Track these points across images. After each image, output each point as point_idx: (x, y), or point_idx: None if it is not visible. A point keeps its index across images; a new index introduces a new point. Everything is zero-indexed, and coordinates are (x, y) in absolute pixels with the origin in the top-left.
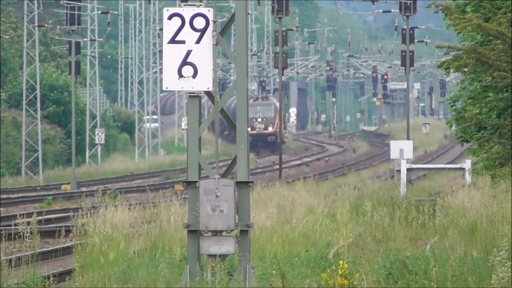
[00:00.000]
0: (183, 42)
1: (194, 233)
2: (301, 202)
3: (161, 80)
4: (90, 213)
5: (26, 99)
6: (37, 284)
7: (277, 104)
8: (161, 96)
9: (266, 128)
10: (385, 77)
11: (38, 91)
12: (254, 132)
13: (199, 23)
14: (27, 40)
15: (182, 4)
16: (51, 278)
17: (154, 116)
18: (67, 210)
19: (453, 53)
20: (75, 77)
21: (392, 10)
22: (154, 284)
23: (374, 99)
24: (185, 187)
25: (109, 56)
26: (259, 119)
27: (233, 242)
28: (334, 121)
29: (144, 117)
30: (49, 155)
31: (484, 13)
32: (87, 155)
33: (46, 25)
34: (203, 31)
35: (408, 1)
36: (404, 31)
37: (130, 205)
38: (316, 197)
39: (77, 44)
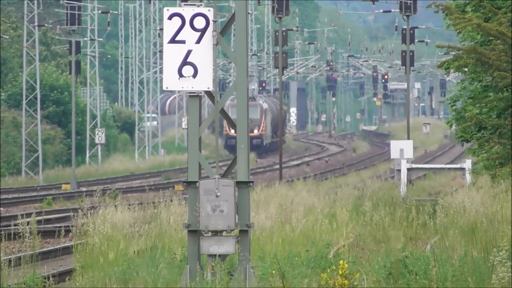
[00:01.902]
0: (183, 42)
1: (194, 233)
2: (301, 202)
3: (161, 80)
4: (90, 213)
5: (26, 99)
6: (37, 284)
7: (264, 106)
8: (162, 96)
9: (251, 131)
10: (386, 77)
11: (38, 91)
12: None
13: (199, 23)
14: (27, 40)
15: (182, 4)
16: (51, 278)
17: (154, 115)
18: (67, 210)
19: (453, 53)
20: (76, 77)
21: (392, 10)
22: (154, 284)
23: (374, 99)
24: (185, 187)
25: (109, 56)
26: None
27: (233, 242)
28: (334, 121)
29: (143, 115)
30: (49, 155)
31: (484, 13)
32: (87, 155)
33: (46, 25)
34: (203, 31)
35: (408, 1)
36: (404, 31)
37: (130, 205)
38: (316, 197)
39: (77, 43)
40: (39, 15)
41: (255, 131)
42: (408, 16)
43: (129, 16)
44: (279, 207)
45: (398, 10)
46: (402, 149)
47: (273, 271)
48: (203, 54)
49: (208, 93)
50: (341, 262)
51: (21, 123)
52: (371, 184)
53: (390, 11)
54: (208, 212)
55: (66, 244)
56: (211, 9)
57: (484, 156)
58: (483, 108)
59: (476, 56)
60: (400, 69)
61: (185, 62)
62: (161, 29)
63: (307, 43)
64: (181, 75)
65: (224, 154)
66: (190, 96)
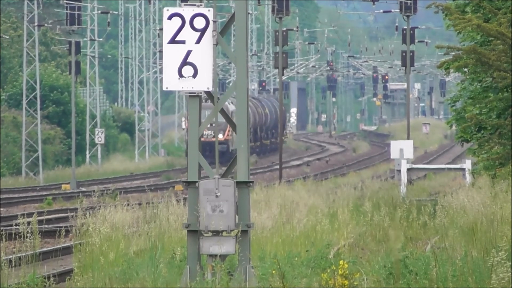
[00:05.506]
0: (183, 42)
1: (194, 233)
2: (301, 202)
3: (161, 80)
4: (89, 213)
5: (26, 99)
6: (37, 284)
7: (230, 108)
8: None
9: (215, 136)
10: (386, 77)
11: (38, 91)
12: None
13: (199, 23)
14: (27, 40)
15: (182, 4)
16: (51, 278)
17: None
18: (67, 210)
19: (453, 53)
20: (75, 77)
21: (393, 10)
22: (154, 284)
23: (375, 99)
24: (185, 187)
25: (109, 56)
26: (208, 125)
27: (233, 242)
28: (334, 121)
29: (143, 114)
30: (49, 155)
31: (484, 14)
32: (87, 155)
33: (46, 25)
34: (203, 31)
35: (409, 1)
36: (404, 31)
37: (129, 205)
38: (316, 197)
39: (77, 44)
40: (39, 15)
41: (219, 136)
42: (408, 16)
43: (129, 16)
44: (279, 207)
45: (398, 10)
46: (402, 149)
47: (273, 271)
48: (203, 54)
49: (208, 93)
50: (341, 262)
51: (21, 123)
52: (371, 184)
53: (390, 11)
54: (208, 212)
55: (66, 244)
56: (211, 9)
57: (484, 157)
58: (483, 109)
59: (476, 56)
60: (400, 69)
61: (185, 62)
62: (161, 29)
63: (307, 43)
64: (181, 75)
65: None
66: (190, 96)
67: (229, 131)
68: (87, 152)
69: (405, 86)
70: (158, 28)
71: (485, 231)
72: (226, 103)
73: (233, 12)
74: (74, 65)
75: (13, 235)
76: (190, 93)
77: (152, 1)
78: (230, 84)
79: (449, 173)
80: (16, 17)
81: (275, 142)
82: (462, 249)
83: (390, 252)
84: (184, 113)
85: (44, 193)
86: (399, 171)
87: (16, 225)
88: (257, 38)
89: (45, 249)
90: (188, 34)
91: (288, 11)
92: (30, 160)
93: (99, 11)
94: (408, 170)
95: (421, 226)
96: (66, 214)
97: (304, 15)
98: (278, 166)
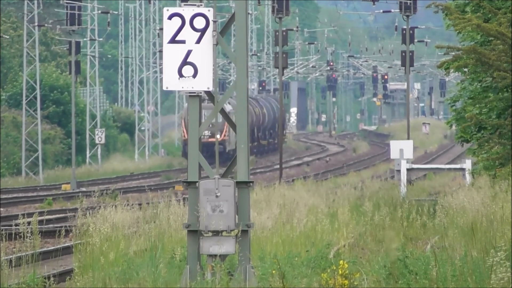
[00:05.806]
0: (183, 42)
1: (194, 233)
2: (301, 202)
3: (161, 80)
4: (89, 213)
5: (26, 99)
6: (37, 284)
7: (227, 108)
8: None
9: (212, 136)
10: (385, 77)
11: (38, 91)
12: None
13: (199, 23)
14: (27, 40)
15: (182, 4)
16: (51, 278)
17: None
18: (67, 210)
19: (453, 53)
20: (75, 77)
21: (392, 10)
22: (154, 284)
23: (374, 99)
24: (185, 187)
25: (109, 56)
26: (207, 125)
27: (233, 242)
28: (334, 121)
29: (142, 114)
30: (49, 155)
31: (484, 13)
32: (87, 155)
33: (46, 25)
34: (203, 31)
35: (408, 1)
36: (404, 31)
37: (129, 205)
38: (316, 197)
39: (77, 44)
40: (39, 15)
41: (217, 136)
42: (408, 16)
43: (129, 16)
44: (279, 207)
45: (398, 10)
46: (402, 149)
47: (273, 271)
48: (203, 54)
49: (208, 93)
50: (341, 262)
51: (21, 123)
52: (371, 184)
53: (390, 11)
54: (208, 212)
55: (66, 244)
56: (211, 9)
57: (484, 157)
58: (483, 109)
59: (476, 56)
60: (400, 69)
61: (185, 62)
62: (161, 29)
63: (307, 43)
64: (181, 75)
65: (185, 164)
66: (190, 96)
67: (226, 131)
68: (87, 152)
69: (405, 86)
70: (158, 28)
71: (485, 231)
72: (224, 104)
73: (233, 12)
74: (74, 65)
75: (13, 235)
76: (190, 93)
77: (152, 1)
78: (230, 84)
79: (449, 173)
80: (16, 17)
81: (273, 142)
82: (462, 249)
83: (390, 252)
84: (183, 114)
85: (44, 193)
86: (399, 171)
87: (16, 225)
88: (257, 38)
89: (45, 249)
90: (188, 34)
91: (288, 11)
92: (30, 160)
93: (99, 11)
94: (408, 170)
95: (421, 226)
96: (66, 214)
97: (304, 15)
98: (278, 166)
